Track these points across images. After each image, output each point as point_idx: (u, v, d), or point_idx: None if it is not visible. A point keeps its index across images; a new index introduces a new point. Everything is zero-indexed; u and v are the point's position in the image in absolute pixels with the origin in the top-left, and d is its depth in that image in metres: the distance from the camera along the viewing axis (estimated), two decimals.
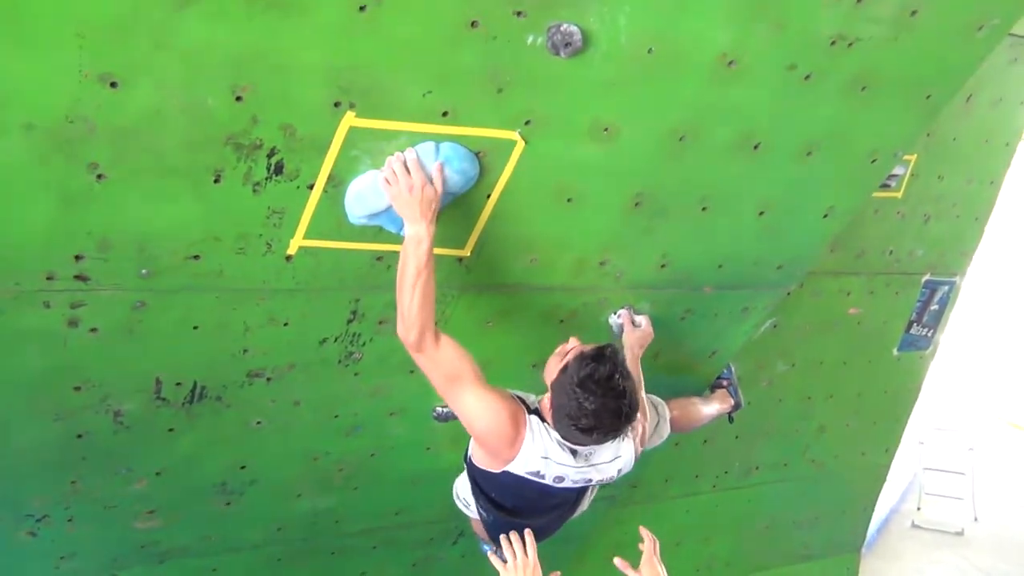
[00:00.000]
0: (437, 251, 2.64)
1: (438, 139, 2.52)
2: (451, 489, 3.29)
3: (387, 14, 2.19)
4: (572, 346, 2.79)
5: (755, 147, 2.92)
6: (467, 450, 2.93)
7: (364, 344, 3.04)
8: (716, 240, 3.26)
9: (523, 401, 2.80)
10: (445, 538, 4.15)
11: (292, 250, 2.63)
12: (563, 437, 2.72)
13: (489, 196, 2.73)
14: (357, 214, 2.60)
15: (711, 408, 3.97)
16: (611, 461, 2.88)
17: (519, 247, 2.94)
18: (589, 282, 3.19)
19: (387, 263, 2.75)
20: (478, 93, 2.45)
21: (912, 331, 5.27)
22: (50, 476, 3.03)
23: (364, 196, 2.55)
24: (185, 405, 2.95)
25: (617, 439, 2.81)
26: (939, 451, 8.85)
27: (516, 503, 2.89)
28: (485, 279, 2.99)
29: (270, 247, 2.59)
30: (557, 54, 2.41)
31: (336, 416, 3.29)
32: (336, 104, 2.33)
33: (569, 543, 3.57)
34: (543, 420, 2.75)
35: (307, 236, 2.60)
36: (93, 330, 2.58)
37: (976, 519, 8.46)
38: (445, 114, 2.47)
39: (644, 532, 2.77)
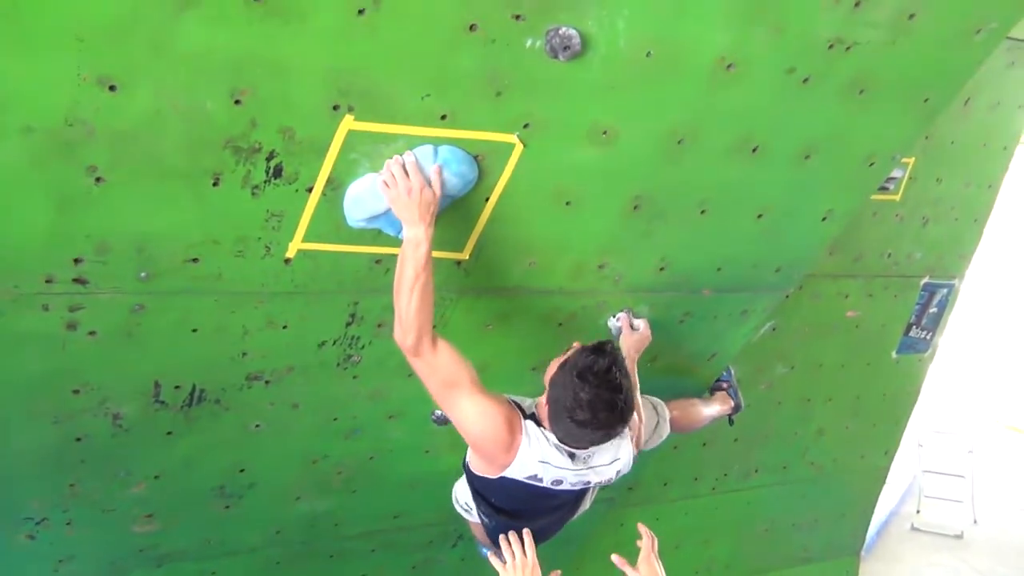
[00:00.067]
0: (435, 254, 2.64)
1: (437, 142, 2.52)
2: (450, 492, 3.29)
3: (386, 17, 2.20)
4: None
5: (753, 150, 2.92)
6: (465, 456, 2.93)
7: (363, 347, 3.04)
8: (715, 243, 3.26)
9: (519, 406, 2.80)
10: (444, 541, 4.15)
11: (291, 253, 2.63)
12: (560, 438, 2.71)
13: (488, 199, 2.73)
14: (356, 217, 2.60)
15: (711, 410, 3.97)
16: (610, 463, 2.88)
17: (518, 250, 2.94)
18: (588, 285, 3.19)
19: (386, 266, 2.75)
20: (477, 96, 2.46)
21: (911, 334, 5.27)
22: (49, 479, 3.03)
23: (363, 199, 2.55)
24: (184, 408, 2.95)
25: (615, 440, 2.81)
26: (938, 454, 8.84)
27: (516, 506, 2.89)
28: (484, 282, 2.99)
29: (269, 250, 2.59)
30: (556, 57, 2.41)
31: (335, 419, 3.29)
32: (335, 107, 2.33)
33: (568, 545, 3.57)
34: (539, 424, 2.74)
35: (306, 239, 2.61)
36: (92, 333, 2.58)
37: (975, 522, 8.46)
38: (444, 117, 2.47)
39: (642, 529, 2.77)
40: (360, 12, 2.17)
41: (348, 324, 2.94)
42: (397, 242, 2.61)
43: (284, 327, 2.84)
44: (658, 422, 3.58)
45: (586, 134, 2.66)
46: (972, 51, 2.92)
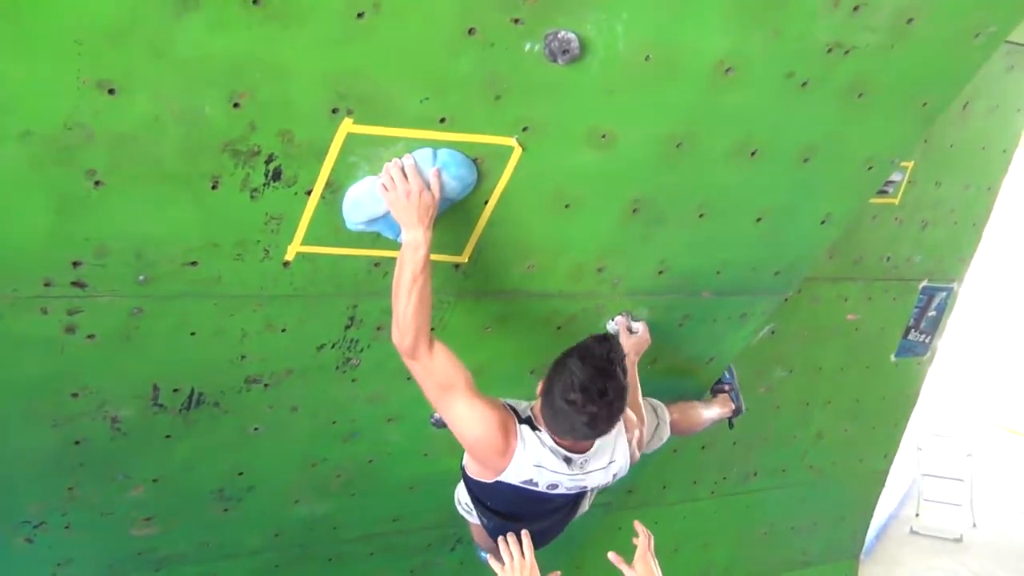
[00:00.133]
0: (434, 257, 2.65)
1: (436, 145, 2.52)
2: (449, 495, 3.29)
3: (385, 21, 2.20)
4: None
5: (752, 154, 2.92)
6: (462, 461, 2.93)
7: (362, 350, 3.04)
8: (714, 246, 3.26)
9: (514, 410, 2.80)
10: (443, 544, 4.15)
11: (290, 256, 2.63)
12: (551, 427, 2.68)
13: (487, 202, 2.73)
14: (355, 220, 2.60)
15: (712, 412, 3.96)
16: (606, 467, 2.88)
17: (517, 253, 2.95)
18: (587, 288, 3.19)
19: (384, 269, 2.75)
20: (476, 100, 2.46)
21: (910, 337, 5.28)
22: (47, 482, 3.02)
23: (362, 202, 2.55)
24: (182, 411, 2.95)
25: (610, 440, 2.80)
26: (937, 457, 8.84)
27: (514, 510, 2.88)
28: (483, 285, 2.99)
29: (268, 253, 2.59)
30: (555, 61, 2.42)
31: (334, 422, 3.29)
32: (334, 110, 2.33)
33: (567, 548, 3.57)
34: (535, 428, 2.74)
35: (305, 242, 2.61)
36: (90, 336, 2.58)
37: (975, 525, 8.46)
38: (443, 120, 2.47)
39: (639, 527, 2.77)
40: (359, 15, 2.17)
41: (347, 327, 2.94)
42: (396, 245, 2.61)
43: (283, 330, 2.84)
44: (658, 424, 3.57)
45: (585, 137, 2.67)
46: (971, 55, 2.92)
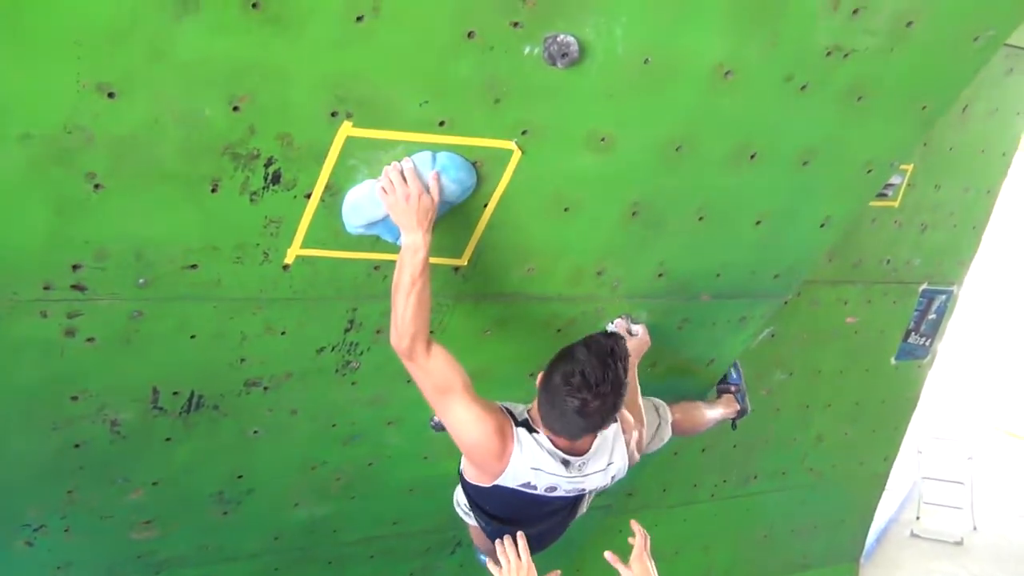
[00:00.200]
0: (434, 260, 2.65)
1: (435, 148, 2.52)
2: (449, 498, 3.29)
3: (384, 25, 2.20)
4: None
5: (751, 157, 2.93)
6: (460, 464, 2.92)
7: (361, 353, 3.04)
8: (713, 249, 3.26)
9: (511, 413, 2.79)
10: (443, 548, 4.15)
11: (289, 259, 2.63)
12: (548, 423, 2.67)
13: (486, 205, 2.73)
14: (354, 223, 2.60)
15: (715, 412, 3.95)
16: (604, 469, 2.87)
17: (516, 256, 2.95)
18: (586, 291, 3.19)
19: (384, 272, 2.75)
20: (475, 103, 2.46)
21: (910, 340, 5.28)
22: (47, 486, 3.02)
23: (361, 205, 2.55)
24: (182, 414, 2.95)
25: (607, 441, 2.80)
26: (938, 460, 8.83)
27: (512, 513, 2.88)
28: (482, 288, 2.99)
29: (267, 256, 2.59)
30: (554, 64, 2.42)
31: (334, 425, 3.29)
32: (333, 114, 2.34)
33: (566, 551, 3.57)
34: (532, 430, 2.74)
35: (304, 245, 2.61)
36: (90, 339, 2.58)
37: (975, 528, 8.44)
38: (442, 124, 2.47)
39: (635, 527, 2.77)
40: (358, 19, 2.17)
41: (347, 330, 2.94)
42: (396, 248, 2.61)
43: (283, 333, 2.84)
44: (659, 424, 3.57)
45: (584, 141, 2.67)
46: (970, 58, 2.93)
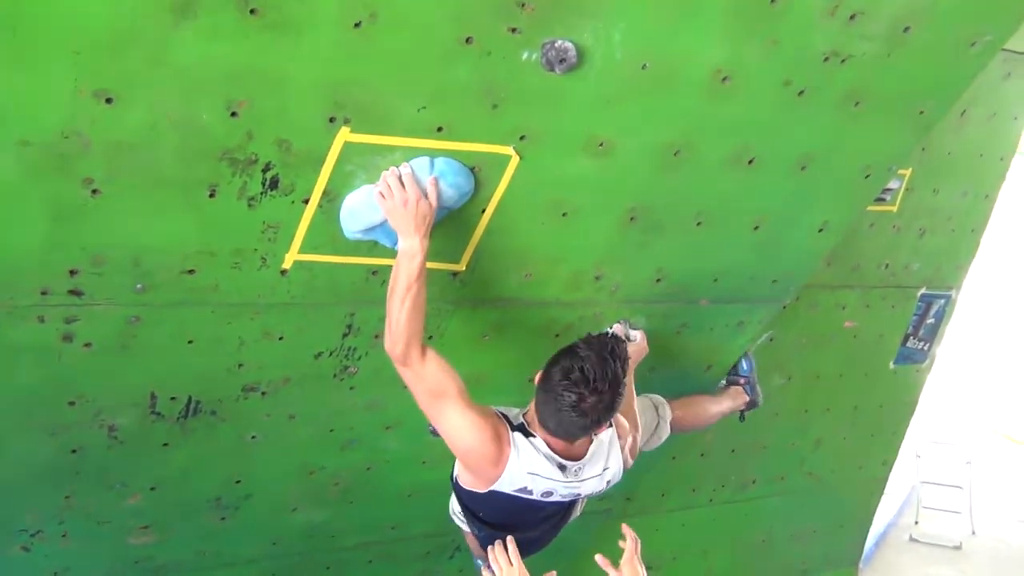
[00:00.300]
0: (432, 265, 2.65)
1: (433, 154, 2.52)
2: (447, 503, 3.28)
3: (382, 31, 2.20)
4: None
5: (750, 162, 2.93)
6: (453, 471, 2.92)
7: (359, 358, 3.04)
8: (711, 254, 3.26)
9: (506, 417, 2.79)
10: (442, 552, 4.14)
11: (287, 264, 2.63)
12: (544, 421, 2.66)
13: (484, 211, 2.73)
14: (352, 228, 2.60)
15: (721, 406, 3.90)
16: (600, 474, 2.87)
17: (514, 261, 2.95)
18: (584, 296, 3.19)
19: (382, 277, 2.75)
20: (473, 108, 2.46)
21: (908, 344, 5.27)
22: (44, 491, 3.02)
23: (359, 210, 2.55)
24: (180, 420, 2.95)
25: (603, 443, 2.80)
26: (937, 465, 8.83)
27: (506, 519, 2.87)
28: (480, 293, 2.99)
29: (265, 261, 2.59)
30: (552, 70, 2.42)
31: (331, 430, 3.28)
32: (331, 119, 2.34)
33: (564, 554, 3.56)
34: (528, 435, 2.73)
35: (302, 250, 2.61)
36: (87, 345, 2.58)
37: (974, 533, 8.43)
38: (440, 129, 2.48)
39: (626, 531, 2.76)
40: (356, 25, 2.17)
41: (344, 335, 2.94)
42: (393, 253, 2.61)
43: (280, 338, 2.84)
44: (658, 423, 3.56)
45: (582, 146, 2.67)
46: (967, 63, 2.93)
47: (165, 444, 3.01)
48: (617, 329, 3.32)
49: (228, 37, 2.09)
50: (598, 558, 2.64)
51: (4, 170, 2.12)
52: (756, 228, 3.20)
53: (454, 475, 2.91)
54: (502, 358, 3.23)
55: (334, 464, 3.43)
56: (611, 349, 2.61)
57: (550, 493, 2.79)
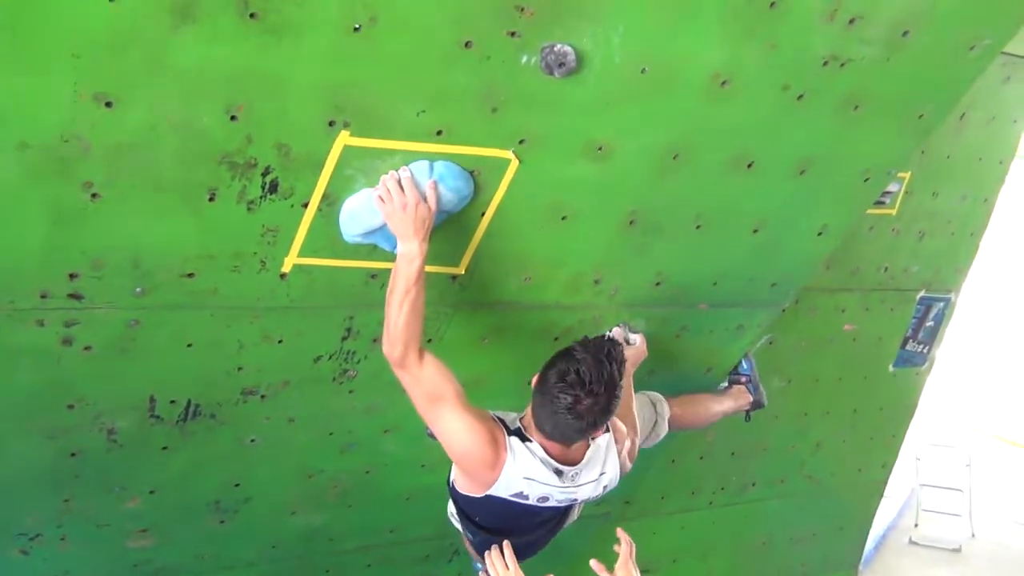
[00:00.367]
0: (431, 269, 2.65)
1: (432, 157, 2.53)
2: (446, 506, 3.28)
3: (381, 34, 2.21)
4: None
5: (749, 166, 2.93)
6: (449, 475, 2.91)
7: (359, 361, 3.03)
8: (710, 258, 3.27)
9: (503, 422, 2.79)
10: (441, 556, 4.14)
11: (286, 268, 2.63)
12: (540, 425, 2.66)
13: (483, 214, 2.73)
14: (351, 232, 2.60)
15: (722, 405, 3.89)
16: (597, 479, 2.86)
17: (513, 265, 2.95)
18: (584, 300, 3.20)
19: (381, 281, 2.74)
20: (472, 112, 2.47)
21: (908, 347, 5.27)
22: (43, 494, 3.02)
23: (358, 214, 2.55)
24: (179, 423, 2.95)
25: (600, 448, 2.80)
26: (936, 467, 8.83)
27: (501, 524, 2.87)
28: (479, 297, 2.99)
29: (264, 265, 2.59)
30: (551, 74, 2.42)
31: (331, 433, 3.28)
32: (331, 123, 2.34)
33: (561, 558, 3.55)
34: (525, 439, 2.73)
35: (301, 254, 2.61)
36: (87, 348, 2.58)
37: (973, 536, 8.44)
38: (439, 133, 2.48)
39: (621, 535, 2.76)
40: (356, 29, 2.17)
41: (344, 339, 2.94)
42: (392, 257, 2.61)
43: (280, 342, 2.84)
44: (656, 421, 3.55)
45: (581, 150, 2.67)
46: (966, 67, 2.93)
47: (164, 447, 3.01)
48: (616, 332, 3.32)
49: (227, 40, 2.09)
50: (593, 563, 2.64)
51: (4, 173, 2.12)
52: (755, 232, 3.20)
53: (451, 479, 2.91)
54: (501, 361, 3.23)
55: (333, 467, 3.43)
56: (607, 352, 2.61)
57: (546, 498, 2.79)
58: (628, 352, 3.25)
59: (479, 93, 2.43)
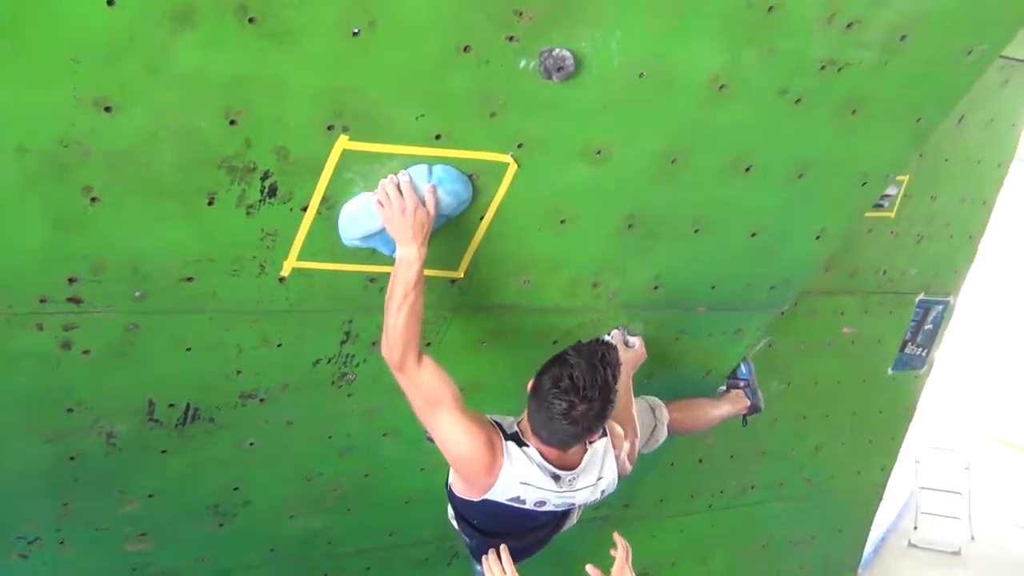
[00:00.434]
0: (430, 272, 2.65)
1: (431, 162, 2.53)
2: (446, 509, 3.27)
3: (380, 39, 2.21)
4: None
5: (747, 169, 2.93)
6: (447, 479, 2.92)
7: (357, 365, 3.04)
8: (709, 261, 3.27)
9: (500, 426, 2.79)
10: (440, 559, 4.14)
11: (285, 272, 2.63)
12: (536, 430, 2.66)
13: (482, 218, 2.74)
14: (350, 236, 2.60)
15: (720, 410, 3.90)
16: (594, 484, 2.85)
17: (512, 268, 2.95)
18: (582, 303, 3.20)
19: (380, 284, 2.75)
20: (471, 116, 2.47)
21: (906, 350, 5.28)
22: (42, 498, 3.02)
23: (357, 218, 2.55)
24: (178, 426, 2.95)
25: (598, 452, 2.80)
26: (935, 470, 8.83)
27: (499, 528, 2.86)
28: (478, 300, 3.00)
29: (263, 269, 2.59)
30: (549, 78, 2.43)
31: (330, 437, 3.29)
32: (329, 127, 2.34)
33: (560, 561, 3.56)
34: (521, 444, 2.73)
35: (300, 258, 2.61)
36: (86, 352, 2.58)
37: (973, 538, 8.44)
38: (438, 137, 2.48)
39: (617, 539, 2.75)
40: (354, 33, 2.18)
41: (343, 342, 2.94)
42: (391, 261, 2.61)
43: (278, 345, 2.84)
44: (655, 426, 3.55)
45: (580, 153, 2.68)
46: (964, 71, 2.94)
47: (163, 451, 3.01)
48: (615, 335, 3.32)
49: (227, 45, 2.09)
50: (589, 568, 2.63)
51: (4, 178, 2.12)
52: (754, 235, 3.21)
53: (448, 483, 2.91)
54: (500, 364, 3.23)
55: (332, 471, 3.43)
56: (601, 356, 2.60)
57: (543, 503, 2.78)
58: (627, 355, 3.26)
59: (478, 97, 2.43)
